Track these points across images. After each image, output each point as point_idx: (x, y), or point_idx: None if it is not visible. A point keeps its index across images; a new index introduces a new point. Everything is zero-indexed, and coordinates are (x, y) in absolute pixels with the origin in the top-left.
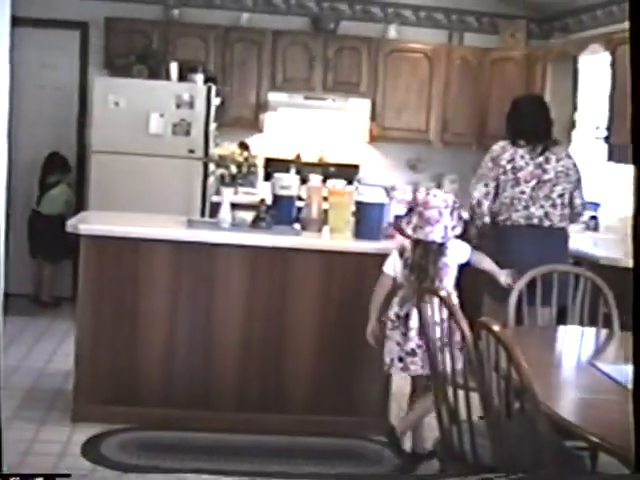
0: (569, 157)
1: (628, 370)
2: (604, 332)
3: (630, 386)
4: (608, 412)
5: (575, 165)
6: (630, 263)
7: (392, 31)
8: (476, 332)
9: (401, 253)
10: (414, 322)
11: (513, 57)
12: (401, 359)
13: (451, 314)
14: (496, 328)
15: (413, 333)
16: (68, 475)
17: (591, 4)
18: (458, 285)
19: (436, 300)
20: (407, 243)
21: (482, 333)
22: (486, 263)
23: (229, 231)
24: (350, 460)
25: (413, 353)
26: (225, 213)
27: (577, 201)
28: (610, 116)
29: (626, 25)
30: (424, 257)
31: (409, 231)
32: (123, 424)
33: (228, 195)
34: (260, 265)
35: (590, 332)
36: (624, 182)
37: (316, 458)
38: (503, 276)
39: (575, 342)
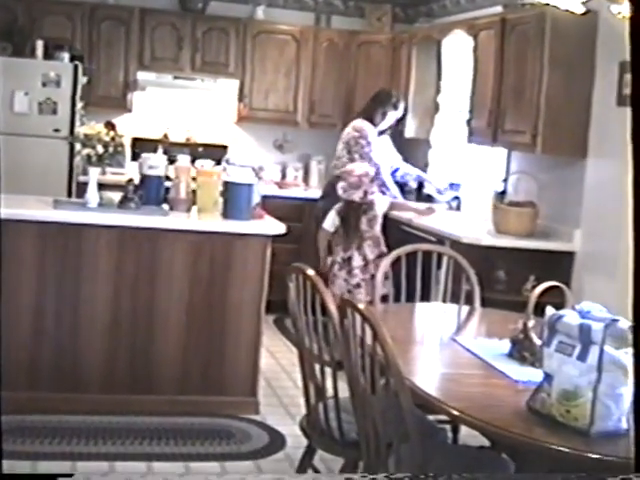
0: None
1: (488, 345)
2: (466, 309)
3: (490, 361)
4: (469, 386)
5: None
6: (491, 241)
7: (260, 12)
8: (342, 309)
9: (338, 212)
10: (356, 262)
11: (379, 40)
12: (349, 291)
13: (316, 291)
14: (361, 306)
15: (357, 271)
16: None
17: None
18: (384, 232)
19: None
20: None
21: (348, 310)
22: (405, 207)
23: (96, 211)
24: (219, 439)
25: (358, 286)
26: (92, 193)
27: None
28: (471, 100)
29: (488, 11)
30: (349, 212)
31: (340, 192)
32: None
33: (94, 175)
34: (128, 245)
35: (453, 309)
36: (484, 163)
37: (185, 438)
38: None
39: (438, 319)
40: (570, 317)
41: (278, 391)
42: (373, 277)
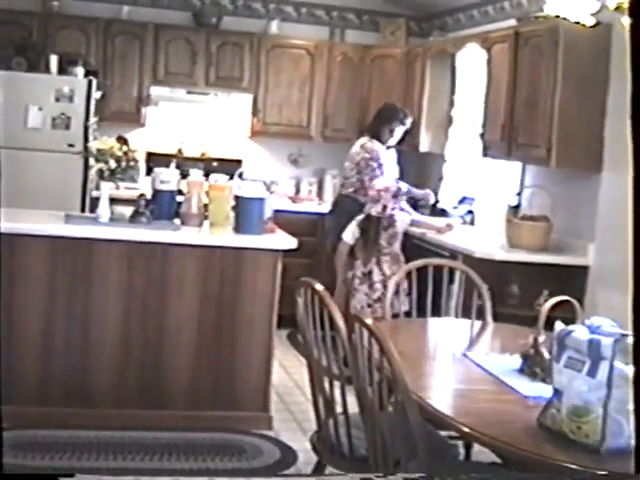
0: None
1: (499, 361)
2: (478, 324)
3: (501, 377)
4: (479, 402)
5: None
6: (504, 256)
7: (274, 27)
8: (350, 325)
9: (358, 224)
10: (377, 276)
11: (393, 54)
12: (369, 305)
13: (324, 305)
14: (369, 321)
15: (378, 285)
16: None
17: (468, 4)
18: (403, 248)
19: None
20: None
21: (355, 325)
22: (426, 225)
23: (107, 226)
24: (230, 455)
25: (379, 300)
26: (103, 208)
27: None
28: (485, 113)
29: (502, 24)
30: (369, 226)
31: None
32: None
33: (106, 190)
34: (139, 260)
35: (464, 324)
36: (498, 177)
37: (196, 453)
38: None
39: (450, 334)
40: (579, 332)
41: (291, 406)
42: (395, 292)
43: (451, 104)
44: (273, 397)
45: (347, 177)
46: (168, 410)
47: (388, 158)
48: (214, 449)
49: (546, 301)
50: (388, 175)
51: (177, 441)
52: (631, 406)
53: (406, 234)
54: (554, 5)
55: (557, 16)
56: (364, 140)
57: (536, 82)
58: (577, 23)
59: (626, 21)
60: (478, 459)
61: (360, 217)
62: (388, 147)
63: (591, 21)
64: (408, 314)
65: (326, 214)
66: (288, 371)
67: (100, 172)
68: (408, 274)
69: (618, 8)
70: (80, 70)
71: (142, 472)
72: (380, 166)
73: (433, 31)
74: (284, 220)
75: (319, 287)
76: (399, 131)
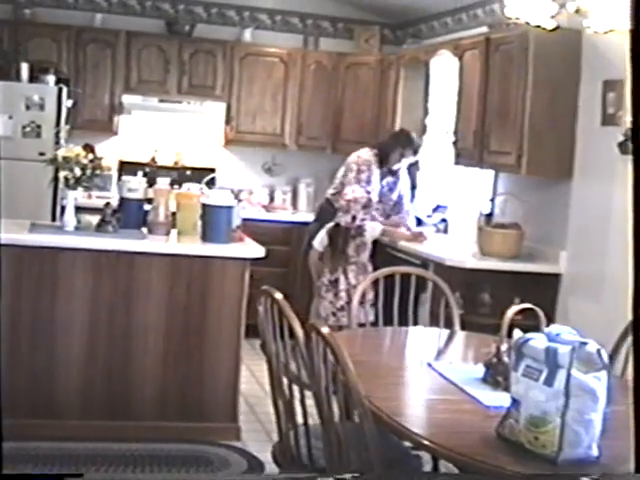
0: None
1: (463, 370)
2: (446, 332)
3: (463, 386)
4: (438, 412)
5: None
6: (475, 264)
7: (247, 35)
8: (307, 333)
9: (328, 232)
10: (343, 285)
11: (367, 62)
12: (334, 314)
13: (283, 315)
14: (325, 330)
15: (343, 294)
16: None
17: (442, 12)
18: (373, 257)
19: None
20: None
21: (312, 335)
22: (396, 234)
23: (72, 235)
24: (197, 466)
25: (342, 309)
26: (69, 216)
27: None
28: (457, 121)
29: (475, 32)
30: (337, 235)
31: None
32: None
33: (72, 198)
34: (105, 269)
35: (432, 333)
36: (471, 185)
37: (161, 465)
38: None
39: (415, 343)
40: (537, 341)
41: (261, 417)
42: (360, 303)
43: (425, 112)
44: (243, 407)
45: (335, 179)
46: (134, 421)
47: (378, 180)
48: (180, 461)
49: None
50: (369, 188)
51: (142, 452)
52: (591, 416)
53: (377, 243)
54: (513, 9)
55: (527, 23)
56: (366, 150)
57: (507, 89)
58: (538, 27)
59: (587, 24)
60: (449, 469)
61: (330, 225)
62: (390, 171)
63: (551, 24)
64: (374, 324)
65: (310, 222)
66: (259, 381)
67: (65, 180)
68: (375, 283)
69: (578, 11)
70: (51, 78)
71: None
72: (360, 173)
73: (407, 39)
74: (258, 229)
75: (278, 296)
76: (408, 160)
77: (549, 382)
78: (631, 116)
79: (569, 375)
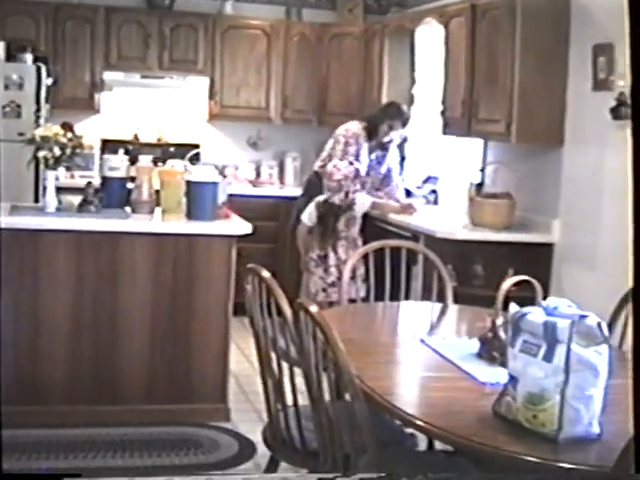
0: None
1: (457, 345)
2: (439, 306)
3: (458, 363)
4: (432, 390)
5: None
6: (466, 235)
7: (229, 7)
8: (295, 312)
9: (317, 206)
10: (332, 260)
11: (351, 32)
12: (324, 289)
13: (271, 293)
14: (313, 309)
15: (333, 269)
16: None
17: None
18: (363, 231)
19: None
20: (322, 198)
21: (300, 314)
22: (386, 207)
23: (54, 216)
24: (187, 449)
25: (333, 284)
26: (50, 197)
27: None
28: (444, 90)
29: None
30: (328, 212)
31: (327, 194)
32: None
33: (52, 178)
34: (88, 250)
35: (424, 307)
36: (461, 155)
37: (150, 450)
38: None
39: (407, 318)
40: (535, 315)
41: (251, 396)
42: (352, 277)
43: (412, 82)
44: (233, 387)
45: (323, 152)
46: (122, 405)
47: (366, 154)
48: (169, 444)
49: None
50: (356, 162)
51: (131, 437)
52: (591, 392)
53: (367, 216)
54: None
55: None
56: (354, 122)
57: (495, 56)
58: None
59: None
60: (443, 446)
61: (319, 199)
62: (382, 146)
63: None
64: (366, 300)
65: (298, 197)
66: (249, 359)
67: (45, 160)
68: (366, 258)
69: None
70: (29, 57)
71: (96, 472)
72: (347, 146)
73: (391, 7)
74: (244, 205)
75: (266, 274)
76: (397, 132)
77: (548, 358)
78: (630, 74)
79: (569, 350)
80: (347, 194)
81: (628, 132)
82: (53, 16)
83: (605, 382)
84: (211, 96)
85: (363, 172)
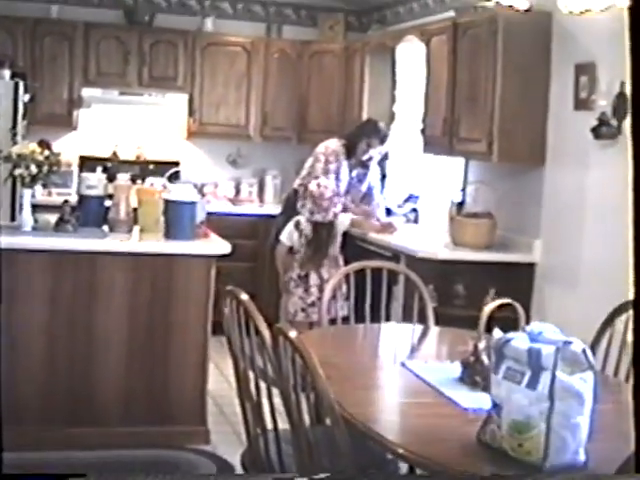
0: None
1: (439, 369)
2: (420, 328)
3: (440, 387)
4: (414, 417)
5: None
6: (447, 255)
7: (209, 24)
8: (274, 337)
9: (296, 225)
10: (314, 280)
11: (332, 50)
12: (303, 309)
13: (249, 316)
14: (293, 334)
15: (314, 289)
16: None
17: None
18: (343, 249)
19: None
20: (302, 218)
21: (280, 339)
22: (365, 225)
23: (29, 235)
24: (164, 473)
25: (313, 304)
26: (26, 216)
27: None
28: (425, 108)
29: (441, 17)
30: (319, 233)
31: (307, 215)
32: None
33: (28, 197)
34: (64, 270)
35: (405, 329)
36: (442, 174)
37: (128, 473)
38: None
39: (389, 341)
40: (518, 341)
41: (231, 418)
42: (332, 297)
43: (393, 100)
44: (212, 408)
45: (302, 170)
46: (98, 427)
47: (346, 172)
48: (146, 467)
49: (493, 300)
50: (337, 180)
51: (107, 460)
52: (577, 420)
53: (347, 235)
54: None
55: (497, 2)
56: (334, 140)
57: (476, 74)
58: (511, 7)
59: (561, 3)
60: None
61: (300, 219)
62: (362, 164)
63: (524, 5)
64: (346, 319)
65: (277, 215)
66: (228, 380)
67: (21, 178)
68: (347, 277)
69: None
70: (6, 72)
71: None
72: (327, 164)
73: (372, 25)
74: (224, 223)
75: (244, 297)
76: (376, 150)
77: (532, 385)
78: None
79: (554, 377)
80: (335, 214)
81: (609, 152)
82: (31, 31)
83: (591, 409)
84: (190, 113)
85: (343, 190)
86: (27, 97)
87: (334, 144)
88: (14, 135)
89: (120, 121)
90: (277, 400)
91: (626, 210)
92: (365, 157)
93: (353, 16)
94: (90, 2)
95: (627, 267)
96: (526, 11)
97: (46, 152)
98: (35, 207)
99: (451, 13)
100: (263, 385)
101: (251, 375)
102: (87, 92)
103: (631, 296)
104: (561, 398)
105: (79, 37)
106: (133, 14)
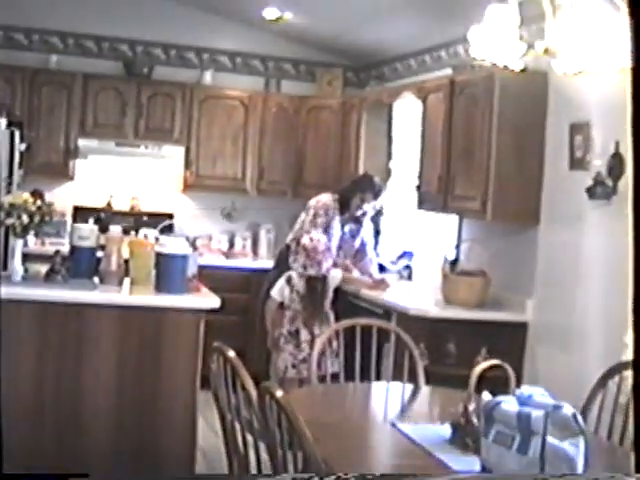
0: None
1: (429, 430)
2: (410, 387)
3: (431, 449)
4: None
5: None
6: (439, 312)
7: (208, 77)
8: (261, 396)
9: (288, 280)
10: (304, 336)
11: (329, 105)
12: (294, 366)
13: (236, 374)
14: (279, 394)
15: (304, 345)
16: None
17: (405, 54)
18: (334, 305)
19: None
20: (294, 273)
21: (266, 398)
22: (356, 282)
23: (19, 285)
24: None
25: (304, 360)
26: (17, 266)
27: None
28: (421, 165)
29: (439, 74)
30: (313, 287)
31: (299, 269)
32: None
33: (19, 246)
34: (53, 321)
35: (395, 389)
36: (436, 231)
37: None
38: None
39: (378, 400)
40: (508, 404)
41: (220, 472)
42: (322, 353)
43: (389, 156)
44: (202, 463)
45: (295, 224)
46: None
47: (338, 227)
48: None
49: (485, 359)
50: (327, 234)
51: None
52: None
53: (339, 290)
54: (480, 49)
55: (494, 64)
56: (327, 194)
57: (472, 132)
58: (506, 68)
59: (555, 64)
60: None
61: (291, 274)
62: (356, 220)
63: (519, 65)
64: (336, 376)
65: (270, 269)
66: (218, 435)
67: (13, 228)
68: (337, 333)
69: (546, 51)
70: (3, 121)
71: None
72: (316, 217)
73: (370, 81)
74: (216, 276)
75: (231, 354)
76: (370, 205)
77: (523, 450)
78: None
79: (544, 442)
80: (327, 268)
81: (604, 212)
82: (30, 81)
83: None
84: (187, 166)
85: (334, 245)
86: (23, 146)
87: (326, 198)
88: (9, 184)
89: (116, 172)
90: (264, 456)
91: (620, 271)
92: (359, 212)
93: (351, 72)
94: (90, 53)
95: (620, 328)
96: (522, 71)
97: (39, 202)
98: (27, 256)
99: (448, 71)
100: (250, 438)
101: (238, 427)
102: (84, 142)
103: (624, 357)
104: (552, 464)
105: (77, 87)
106: (132, 66)
